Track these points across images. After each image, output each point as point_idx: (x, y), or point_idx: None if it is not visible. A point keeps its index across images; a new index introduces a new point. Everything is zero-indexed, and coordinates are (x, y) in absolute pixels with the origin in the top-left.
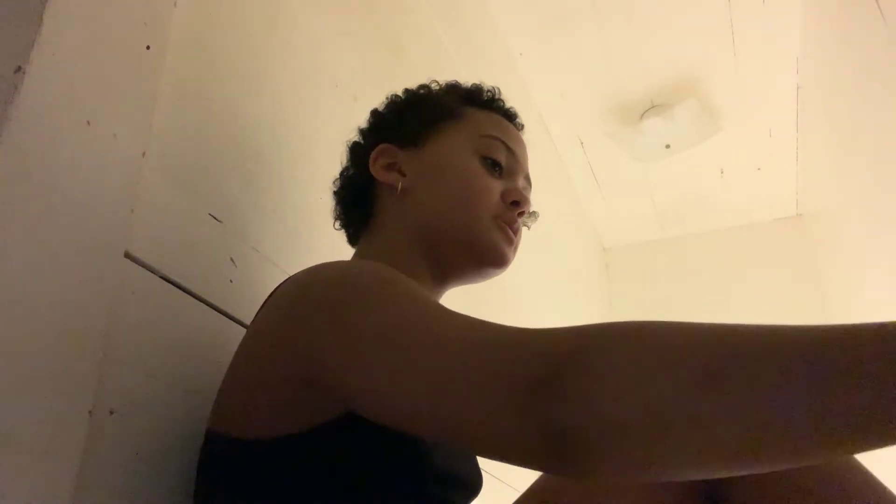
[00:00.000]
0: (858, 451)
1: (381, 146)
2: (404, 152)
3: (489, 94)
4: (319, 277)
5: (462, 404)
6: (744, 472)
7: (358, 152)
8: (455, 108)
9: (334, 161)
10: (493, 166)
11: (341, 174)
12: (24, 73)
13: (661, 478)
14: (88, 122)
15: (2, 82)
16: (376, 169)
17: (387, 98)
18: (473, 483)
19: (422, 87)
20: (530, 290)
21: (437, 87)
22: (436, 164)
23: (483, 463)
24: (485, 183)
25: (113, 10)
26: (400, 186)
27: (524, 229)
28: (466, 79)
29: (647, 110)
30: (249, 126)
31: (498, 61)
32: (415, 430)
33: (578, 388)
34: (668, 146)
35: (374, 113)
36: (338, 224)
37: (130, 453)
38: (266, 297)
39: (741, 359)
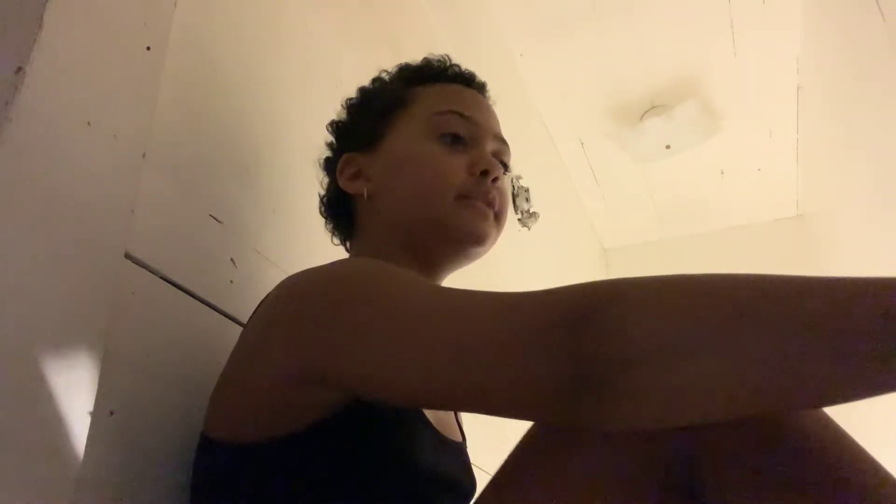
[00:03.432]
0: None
1: (345, 156)
2: (365, 156)
3: (438, 65)
4: (317, 277)
5: (485, 357)
6: (760, 412)
7: (328, 167)
8: (402, 94)
9: None
10: (454, 141)
11: (320, 194)
12: (24, 73)
13: (673, 418)
14: (88, 123)
15: (2, 82)
16: (343, 181)
17: (342, 104)
18: (466, 486)
19: (374, 79)
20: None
21: (386, 76)
22: (394, 159)
23: (482, 463)
24: (444, 163)
25: (113, 10)
26: (366, 193)
27: (524, 230)
28: None
29: (647, 111)
30: (249, 126)
31: (498, 62)
32: (432, 402)
33: (611, 319)
34: (668, 146)
35: (332, 124)
36: (336, 241)
37: (130, 453)
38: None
39: (765, 298)
